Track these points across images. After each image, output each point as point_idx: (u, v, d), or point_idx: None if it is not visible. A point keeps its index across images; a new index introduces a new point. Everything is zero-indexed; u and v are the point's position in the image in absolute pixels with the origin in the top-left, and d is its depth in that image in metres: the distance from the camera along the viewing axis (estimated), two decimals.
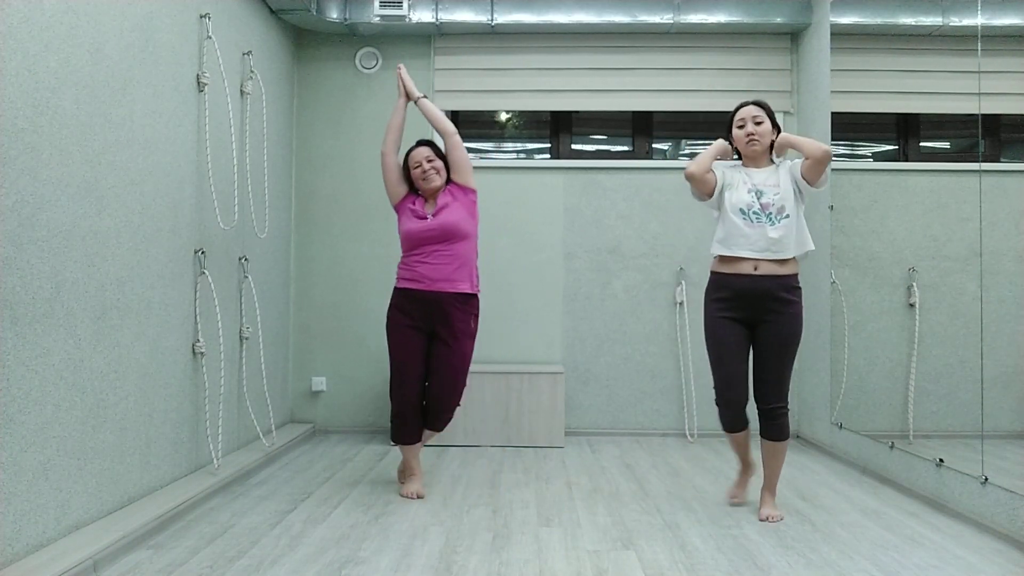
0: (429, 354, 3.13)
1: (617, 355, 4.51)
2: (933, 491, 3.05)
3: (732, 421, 2.91)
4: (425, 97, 3.23)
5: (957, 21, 3.17)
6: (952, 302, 3.15)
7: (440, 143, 3.24)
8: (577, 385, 4.51)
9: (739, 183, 2.82)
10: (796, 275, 2.82)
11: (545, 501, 3.07)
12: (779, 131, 2.88)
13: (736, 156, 2.94)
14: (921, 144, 3.61)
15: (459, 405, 3.20)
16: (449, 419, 3.20)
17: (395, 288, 3.17)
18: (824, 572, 2.30)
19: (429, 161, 3.11)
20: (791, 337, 2.80)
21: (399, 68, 3.26)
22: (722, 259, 2.85)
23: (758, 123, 2.82)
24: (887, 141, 3.90)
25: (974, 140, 2.93)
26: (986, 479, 2.74)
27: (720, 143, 2.91)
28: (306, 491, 3.19)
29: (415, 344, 3.09)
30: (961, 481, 2.88)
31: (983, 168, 2.88)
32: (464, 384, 3.18)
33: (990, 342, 2.84)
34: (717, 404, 2.92)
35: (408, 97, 3.22)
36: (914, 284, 3.34)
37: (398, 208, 3.20)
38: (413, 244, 3.10)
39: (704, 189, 2.84)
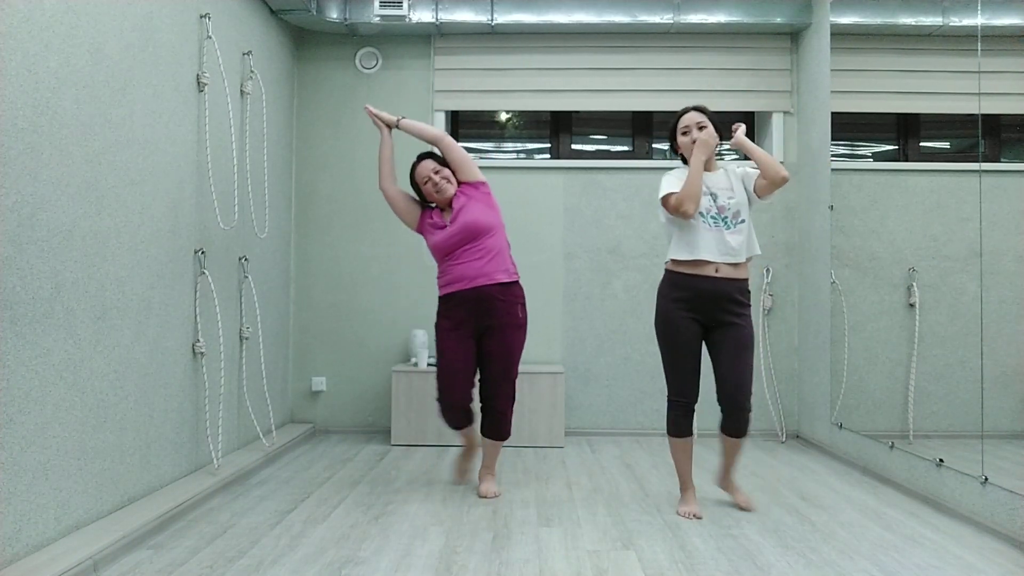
0: (479, 349, 3.11)
1: (617, 355, 4.51)
2: (933, 491, 3.05)
3: (684, 423, 2.89)
4: (403, 118, 3.19)
5: (957, 21, 3.17)
6: (952, 302, 3.14)
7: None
8: (577, 385, 4.51)
9: None
10: (748, 279, 2.88)
11: (545, 501, 3.07)
12: (720, 135, 2.89)
13: (684, 161, 2.94)
14: (921, 144, 3.60)
15: (513, 403, 3.14)
16: (507, 424, 3.14)
17: (438, 298, 3.15)
18: (824, 572, 2.30)
19: (436, 172, 3.11)
20: (750, 338, 2.85)
21: (366, 108, 3.20)
22: (682, 260, 2.84)
23: (701, 127, 2.85)
24: (887, 141, 3.90)
25: (974, 140, 2.93)
26: (986, 479, 2.74)
27: (698, 160, 2.79)
28: (306, 491, 3.19)
29: (461, 347, 3.07)
30: (961, 481, 2.88)
31: (983, 168, 2.88)
32: (513, 377, 3.12)
33: (990, 342, 2.84)
34: (671, 406, 2.89)
35: (388, 127, 3.19)
36: (914, 284, 3.34)
37: (420, 230, 3.19)
38: (443, 254, 3.10)
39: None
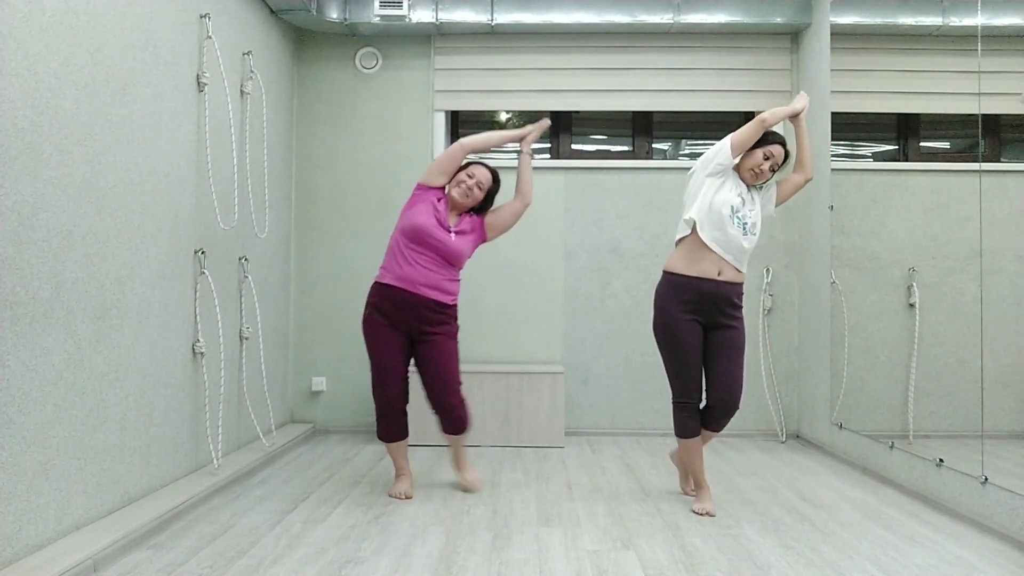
0: (415, 356, 3.12)
1: (617, 355, 4.51)
2: (933, 491, 3.05)
3: (691, 424, 2.93)
4: (532, 155, 3.24)
5: (957, 21, 3.17)
6: (952, 302, 3.14)
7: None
8: (577, 385, 4.51)
9: (731, 185, 2.91)
10: (743, 283, 2.98)
11: (545, 501, 3.07)
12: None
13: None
14: (921, 144, 3.60)
15: (463, 400, 3.14)
16: (463, 418, 3.14)
17: (376, 283, 3.10)
18: (824, 572, 2.30)
19: (480, 188, 3.12)
20: (743, 341, 2.97)
21: (545, 120, 3.24)
22: (685, 259, 2.89)
23: (773, 170, 2.95)
24: (887, 141, 3.90)
25: (974, 140, 2.93)
26: (986, 479, 2.74)
27: (798, 107, 3.02)
28: (306, 491, 3.19)
29: (395, 345, 3.07)
30: (961, 481, 2.88)
31: (983, 168, 2.88)
32: (456, 378, 3.12)
33: (990, 342, 2.84)
34: (679, 408, 2.93)
35: (519, 140, 3.22)
36: (914, 284, 3.34)
37: (421, 193, 3.13)
38: (414, 238, 3.05)
39: (749, 146, 2.89)
